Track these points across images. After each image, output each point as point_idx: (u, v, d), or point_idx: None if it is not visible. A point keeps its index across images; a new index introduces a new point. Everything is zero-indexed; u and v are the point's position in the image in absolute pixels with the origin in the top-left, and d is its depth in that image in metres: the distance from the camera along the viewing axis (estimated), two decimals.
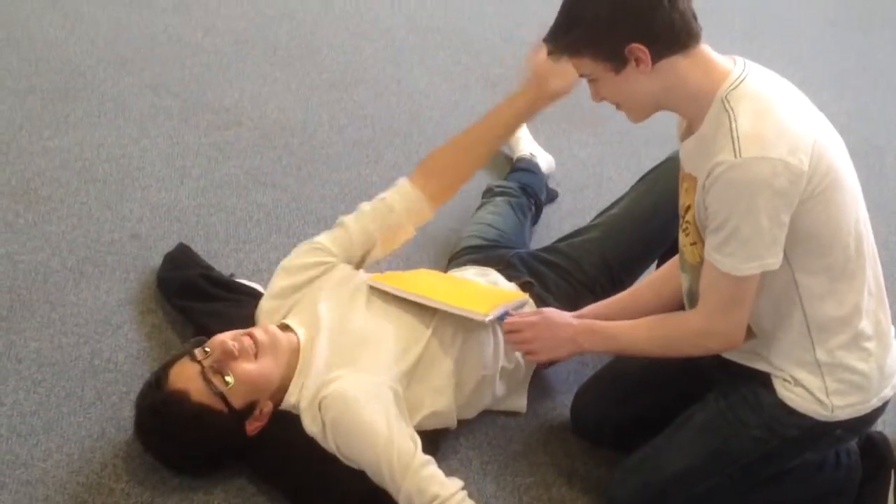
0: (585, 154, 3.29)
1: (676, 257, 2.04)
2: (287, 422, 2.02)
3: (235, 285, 2.40)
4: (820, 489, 2.08)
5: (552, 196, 3.02)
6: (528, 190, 2.80)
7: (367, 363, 2.01)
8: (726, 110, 1.69)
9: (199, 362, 1.95)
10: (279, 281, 2.19)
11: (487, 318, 2.07)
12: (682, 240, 1.91)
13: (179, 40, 3.57)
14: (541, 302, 2.27)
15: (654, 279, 2.17)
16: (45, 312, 2.35)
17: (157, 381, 1.97)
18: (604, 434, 2.22)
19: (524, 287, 2.30)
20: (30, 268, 2.47)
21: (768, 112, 1.68)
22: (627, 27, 1.69)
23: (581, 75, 1.82)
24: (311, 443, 1.98)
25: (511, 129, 2.27)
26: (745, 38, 4.29)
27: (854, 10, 4.84)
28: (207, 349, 1.97)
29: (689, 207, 1.83)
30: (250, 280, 2.48)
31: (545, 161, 3.01)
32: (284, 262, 2.22)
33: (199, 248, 2.59)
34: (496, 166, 3.08)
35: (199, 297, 2.33)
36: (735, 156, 1.64)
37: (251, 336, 1.99)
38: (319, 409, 1.95)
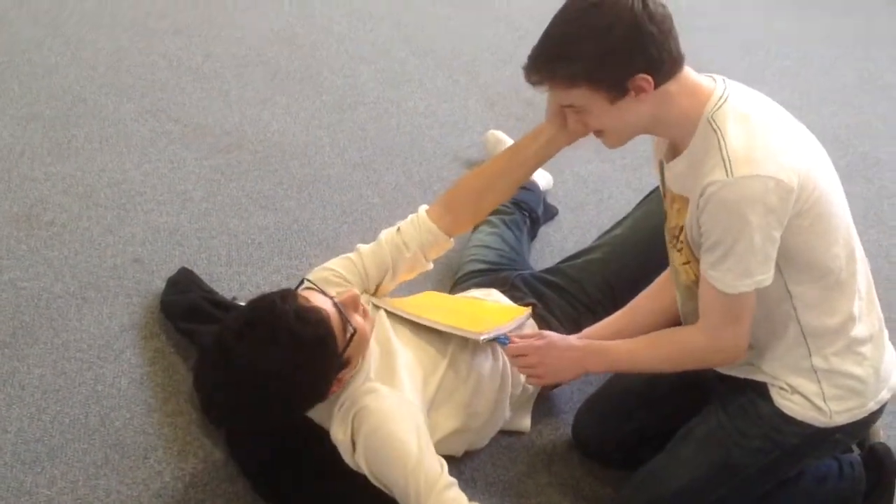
0: (586, 171, 3.30)
1: (668, 269, 2.05)
2: (299, 442, 2.02)
3: (239, 308, 2.40)
4: (826, 502, 2.07)
5: (552, 213, 3.02)
6: (522, 206, 2.81)
7: (402, 383, 2.00)
8: (713, 130, 1.70)
9: (329, 297, 1.94)
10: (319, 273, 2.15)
11: (482, 338, 2.07)
12: (676, 259, 1.92)
13: (180, 65, 3.59)
14: (543, 323, 2.27)
15: (650, 292, 2.17)
16: (48, 338, 2.35)
17: (287, 294, 1.90)
18: (606, 451, 2.22)
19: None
20: (32, 294, 2.47)
21: (756, 131, 1.69)
22: (638, 59, 1.67)
23: (566, 105, 1.80)
24: (319, 466, 1.97)
25: (533, 166, 2.16)
26: (746, 53, 4.31)
27: (854, 25, 4.86)
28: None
29: (682, 228, 1.84)
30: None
31: (543, 179, 3.01)
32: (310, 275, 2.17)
33: (201, 271, 2.59)
34: None
35: (204, 320, 2.33)
36: (727, 175, 1.65)
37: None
38: (353, 418, 1.92)
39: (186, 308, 2.39)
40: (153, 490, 2.02)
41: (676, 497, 1.96)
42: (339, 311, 1.91)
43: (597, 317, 2.27)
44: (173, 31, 3.80)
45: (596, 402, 2.26)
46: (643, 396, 2.17)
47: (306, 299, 1.91)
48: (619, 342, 2.01)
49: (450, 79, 3.79)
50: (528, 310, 2.25)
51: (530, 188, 2.92)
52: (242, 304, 2.44)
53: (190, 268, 2.58)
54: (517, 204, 2.80)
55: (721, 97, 1.73)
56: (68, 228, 2.71)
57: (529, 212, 2.82)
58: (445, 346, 2.12)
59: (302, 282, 2.04)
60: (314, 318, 1.85)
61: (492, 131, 3.23)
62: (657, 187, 2.46)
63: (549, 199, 3.06)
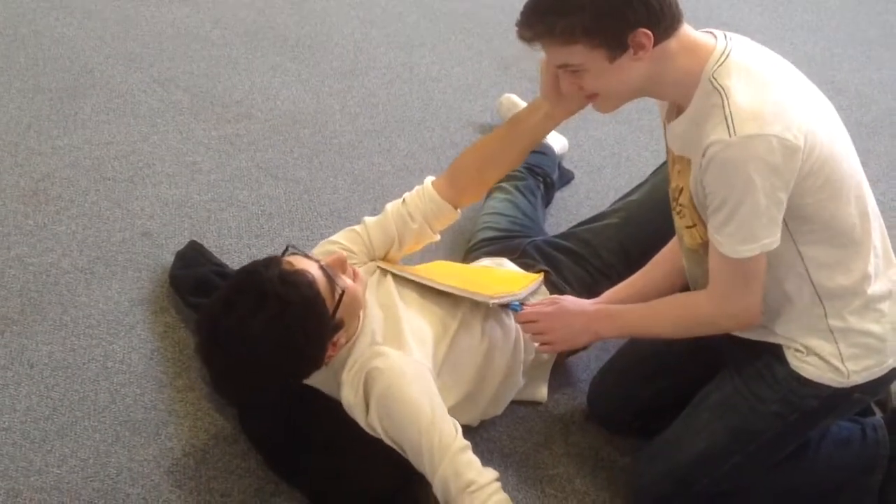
0: (603, 134, 3.24)
1: None
2: (307, 417, 1.99)
3: None
4: (849, 468, 2.03)
5: (568, 177, 2.97)
6: (536, 170, 2.74)
7: (409, 347, 1.97)
8: (715, 88, 1.64)
9: (315, 260, 1.92)
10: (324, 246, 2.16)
11: (492, 301, 2.04)
12: (678, 223, 1.88)
13: (188, 34, 3.53)
14: (556, 290, 2.23)
15: (666, 255, 2.12)
16: (56, 315, 2.32)
17: (271, 260, 1.89)
18: (622, 419, 2.18)
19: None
20: (40, 270, 2.44)
21: (759, 88, 1.63)
22: (638, 11, 1.60)
23: (561, 66, 1.72)
24: (329, 440, 1.95)
25: (531, 140, 2.10)
26: (768, 9, 4.20)
27: None
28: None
29: (682, 190, 1.79)
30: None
31: (558, 142, 2.95)
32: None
33: (211, 243, 2.55)
34: None
35: (213, 294, 2.29)
36: (729, 134, 1.59)
37: (351, 266, 1.98)
38: (365, 380, 1.90)
39: (195, 282, 2.35)
40: (164, 467, 2.00)
41: (694, 464, 1.92)
42: (326, 273, 1.89)
43: (612, 282, 2.22)
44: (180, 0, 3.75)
45: (610, 370, 2.22)
46: (658, 363, 2.13)
47: (290, 264, 1.88)
48: (632, 306, 1.98)
49: (463, 42, 3.73)
50: (541, 276, 2.21)
51: (545, 152, 2.86)
52: None
53: (199, 240, 2.54)
54: (531, 169, 2.74)
55: (723, 53, 1.66)
56: (76, 203, 2.67)
57: (544, 177, 2.76)
58: (456, 310, 2.08)
59: (287, 249, 2.00)
60: (299, 281, 1.83)
61: (506, 95, 3.17)
62: (664, 163, 2.40)
63: (565, 163, 3.00)
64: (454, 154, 3.01)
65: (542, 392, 2.25)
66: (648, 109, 3.07)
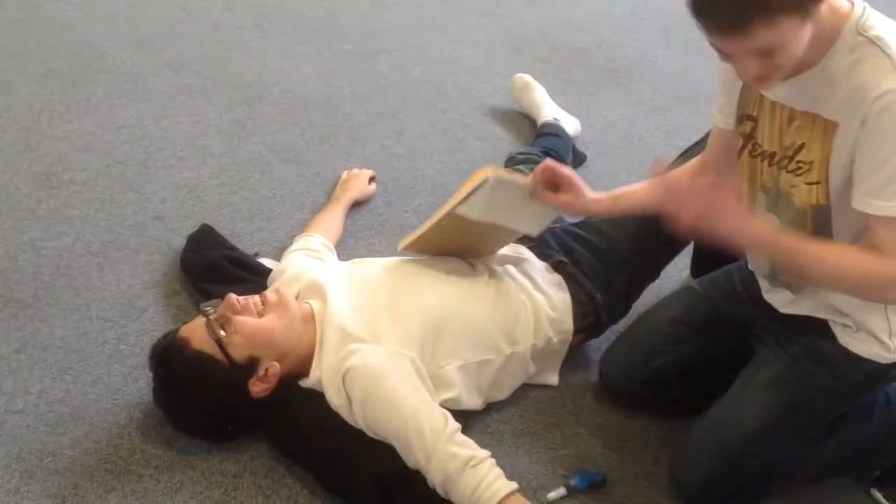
0: (615, 115, 3.22)
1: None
2: (313, 400, 1.99)
3: (258, 266, 2.37)
4: (877, 431, 2.04)
5: (581, 159, 2.95)
6: (551, 154, 2.72)
7: (387, 335, 1.99)
8: (867, 39, 1.58)
9: (206, 315, 1.97)
10: (281, 263, 2.30)
11: (491, 176, 1.98)
12: (791, 180, 1.76)
13: (199, 17, 3.53)
14: (572, 281, 2.22)
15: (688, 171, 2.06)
16: (69, 298, 2.33)
17: (167, 334, 2.02)
18: (633, 390, 2.17)
19: (557, 266, 2.26)
20: (54, 254, 2.45)
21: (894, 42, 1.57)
22: None
23: (763, 50, 1.54)
24: (337, 422, 1.95)
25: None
26: None
27: None
28: (219, 307, 1.99)
29: (801, 146, 1.72)
30: (275, 259, 2.45)
31: (571, 124, 2.93)
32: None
33: (223, 227, 2.56)
34: (522, 133, 3.02)
35: (223, 280, 2.29)
36: None
37: (261, 295, 2.03)
38: (343, 382, 1.93)
39: (205, 267, 2.36)
40: (177, 448, 2.01)
41: (749, 442, 1.92)
42: (211, 327, 1.93)
43: (625, 276, 2.24)
44: None
45: (621, 341, 2.22)
46: (670, 334, 2.12)
47: (180, 337, 1.97)
48: (802, 240, 1.75)
49: (475, 24, 3.71)
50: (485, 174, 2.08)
51: (558, 134, 2.85)
52: (264, 260, 2.41)
53: (211, 224, 2.54)
54: (547, 153, 2.73)
55: (863, 11, 1.61)
56: (88, 186, 2.68)
57: (559, 159, 2.74)
58: (462, 284, 2.13)
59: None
60: (171, 356, 1.95)
61: (519, 75, 3.15)
62: (697, 142, 2.36)
63: (578, 145, 2.98)
64: (466, 136, 3.02)
65: (553, 378, 2.24)
66: (659, 90, 3.06)
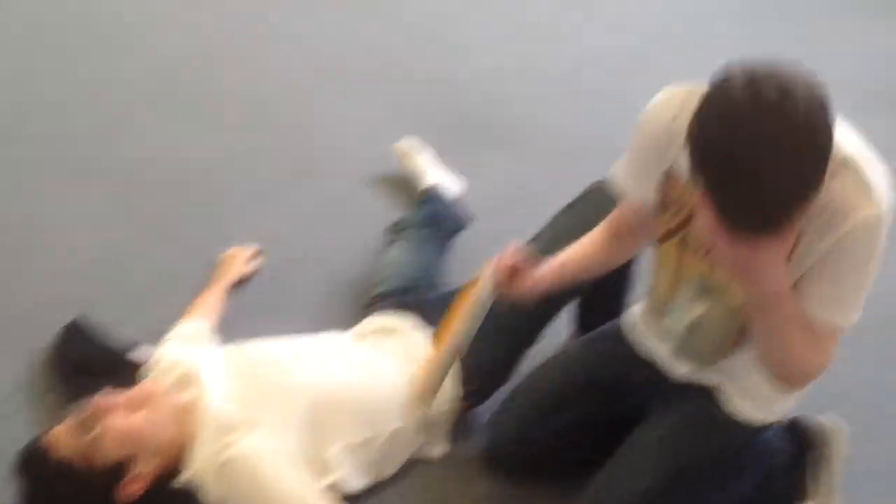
0: (500, 175, 3.19)
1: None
2: (189, 499, 1.94)
3: (134, 358, 2.30)
4: (758, 475, 2.07)
5: (466, 221, 2.92)
6: (432, 220, 2.74)
7: (267, 420, 1.96)
8: (842, 161, 1.53)
9: (73, 417, 1.91)
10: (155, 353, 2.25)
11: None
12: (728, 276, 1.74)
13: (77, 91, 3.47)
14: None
15: (589, 248, 2.06)
16: None
17: (32, 440, 1.94)
18: (523, 458, 2.16)
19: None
20: None
21: (864, 161, 1.56)
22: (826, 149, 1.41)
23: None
24: None
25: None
26: None
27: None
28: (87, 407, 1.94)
29: None
30: (158, 346, 2.38)
31: (454, 186, 2.93)
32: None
33: (107, 314, 2.50)
34: (408, 199, 3.00)
35: (97, 374, 2.22)
36: (877, 208, 1.53)
37: (132, 391, 1.99)
38: (221, 476, 1.89)
39: (79, 362, 2.32)
40: None
41: (645, 499, 1.93)
42: (75, 431, 1.88)
43: (505, 343, 2.27)
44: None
45: (512, 403, 2.19)
46: (564, 396, 2.12)
47: (37, 441, 1.91)
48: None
49: (357, 87, 3.69)
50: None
51: (438, 199, 2.84)
52: (145, 349, 2.35)
53: (91, 312, 2.48)
54: (427, 220, 2.74)
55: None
56: None
57: (440, 226, 2.74)
58: (338, 364, 2.14)
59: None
60: (38, 464, 1.88)
61: (402, 140, 3.12)
62: (580, 196, 2.37)
63: (464, 206, 2.96)
64: (349, 205, 2.99)
65: (440, 449, 2.23)
66: (547, 147, 3.06)
